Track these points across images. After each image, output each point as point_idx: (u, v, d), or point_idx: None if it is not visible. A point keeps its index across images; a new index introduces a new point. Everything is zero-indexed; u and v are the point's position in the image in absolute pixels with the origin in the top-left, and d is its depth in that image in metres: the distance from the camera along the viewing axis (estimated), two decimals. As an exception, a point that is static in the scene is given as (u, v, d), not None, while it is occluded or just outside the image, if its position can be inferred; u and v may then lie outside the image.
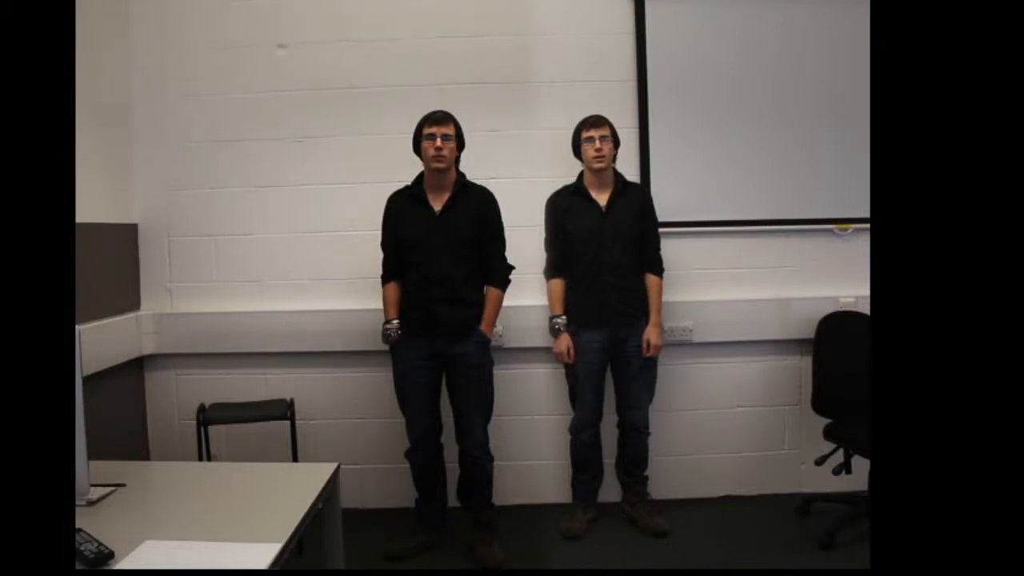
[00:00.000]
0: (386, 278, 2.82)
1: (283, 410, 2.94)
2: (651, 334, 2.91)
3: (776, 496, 3.24)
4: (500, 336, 3.21)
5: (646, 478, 3.07)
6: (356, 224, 3.21)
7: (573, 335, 2.92)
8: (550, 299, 2.97)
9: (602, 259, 2.88)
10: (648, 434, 3.02)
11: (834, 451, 2.88)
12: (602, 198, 2.92)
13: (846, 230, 3.26)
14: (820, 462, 2.89)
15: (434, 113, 2.72)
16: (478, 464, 2.80)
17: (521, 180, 3.21)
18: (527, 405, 3.27)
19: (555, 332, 2.93)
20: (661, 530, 2.92)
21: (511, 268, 2.83)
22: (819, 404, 2.97)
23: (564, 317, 2.92)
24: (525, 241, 3.19)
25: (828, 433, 2.90)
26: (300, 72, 3.22)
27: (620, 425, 3.05)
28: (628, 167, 3.21)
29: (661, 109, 3.20)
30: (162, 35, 3.22)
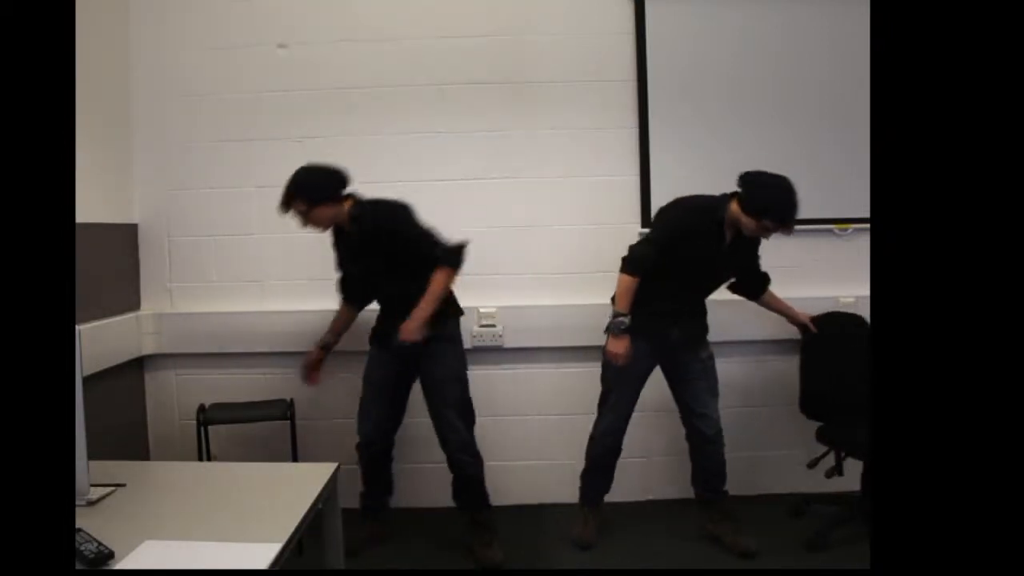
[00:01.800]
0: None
1: (283, 410, 2.94)
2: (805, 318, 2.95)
3: (776, 496, 3.23)
4: (500, 336, 3.22)
5: (726, 492, 2.91)
6: (356, 224, 3.21)
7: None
8: (620, 293, 2.68)
9: (702, 283, 2.81)
10: (722, 443, 2.84)
11: (825, 454, 2.86)
12: (728, 233, 2.71)
13: (846, 230, 3.25)
14: (812, 465, 2.87)
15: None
16: (459, 466, 2.77)
17: (521, 180, 3.22)
18: (527, 405, 3.27)
19: (617, 331, 2.67)
20: (750, 551, 2.74)
21: (458, 248, 2.65)
22: (808, 407, 2.92)
23: (629, 317, 2.68)
24: (525, 241, 3.20)
25: (821, 436, 2.88)
26: (300, 72, 3.22)
27: (689, 437, 2.89)
28: (628, 167, 3.22)
29: (661, 109, 3.20)
30: (162, 35, 3.22)
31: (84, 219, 2.66)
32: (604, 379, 2.87)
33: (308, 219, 2.64)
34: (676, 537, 2.92)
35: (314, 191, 2.61)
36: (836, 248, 3.26)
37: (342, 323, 2.88)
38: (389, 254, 2.65)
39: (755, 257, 2.89)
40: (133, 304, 3.23)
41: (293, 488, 1.82)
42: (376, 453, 2.86)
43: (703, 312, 2.87)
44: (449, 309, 2.77)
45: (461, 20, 3.20)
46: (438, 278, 2.62)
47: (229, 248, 3.26)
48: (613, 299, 2.73)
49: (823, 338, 2.98)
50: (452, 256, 2.64)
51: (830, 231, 3.26)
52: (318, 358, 2.85)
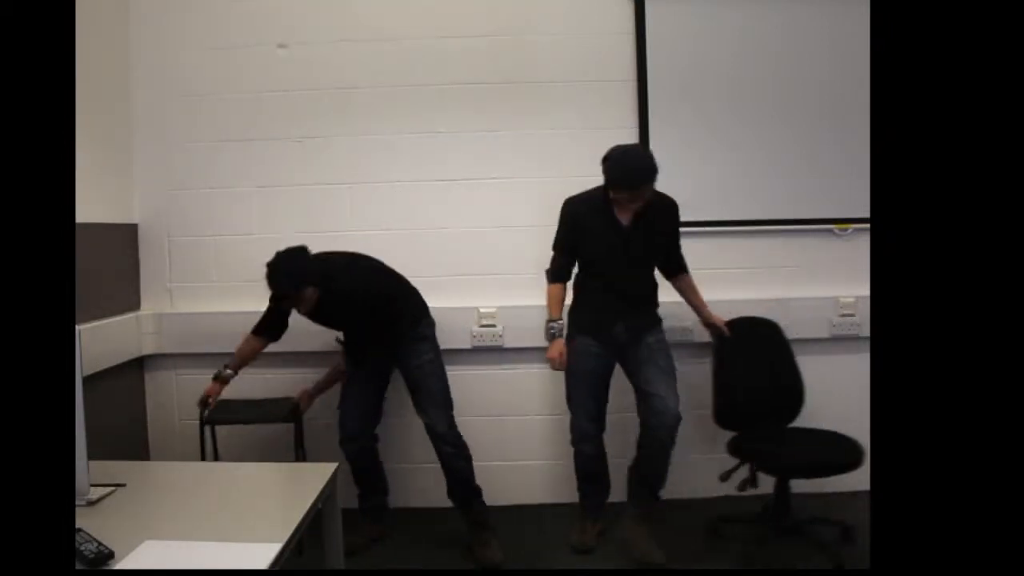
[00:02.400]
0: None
1: (287, 410, 2.92)
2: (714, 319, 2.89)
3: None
4: (500, 336, 3.22)
5: (659, 498, 2.82)
6: (356, 224, 3.21)
7: (571, 339, 2.77)
8: (548, 302, 2.81)
9: (619, 271, 2.74)
10: (671, 437, 2.70)
11: (738, 466, 2.74)
12: (625, 216, 2.69)
13: (846, 230, 3.26)
14: (725, 478, 2.77)
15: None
16: (444, 457, 2.81)
17: (520, 180, 3.22)
18: (527, 405, 3.27)
19: (551, 336, 2.76)
20: (656, 563, 2.66)
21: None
22: (722, 417, 2.82)
23: (562, 321, 2.78)
24: (525, 241, 3.20)
25: (734, 448, 2.75)
26: (300, 72, 3.22)
27: (641, 426, 2.78)
28: (628, 167, 3.22)
29: (661, 109, 3.20)
30: (162, 35, 3.22)
31: (84, 219, 2.66)
32: (566, 384, 2.85)
33: (312, 302, 2.65)
34: (675, 536, 2.91)
35: (314, 273, 2.63)
36: (836, 248, 3.26)
37: (251, 356, 2.87)
38: (351, 320, 2.77)
39: (673, 236, 2.84)
40: (133, 304, 3.23)
41: (293, 488, 1.82)
42: (362, 449, 2.88)
43: (648, 302, 2.82)
44: (416, 311, 2.85)
45: (461, 20, 3.20)
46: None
47: (229, 248, 3.26)
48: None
49: (736, 344, 2.89)
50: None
51: (830, 231, 3.27)
52: (217, 392, 2.83)
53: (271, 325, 2.82)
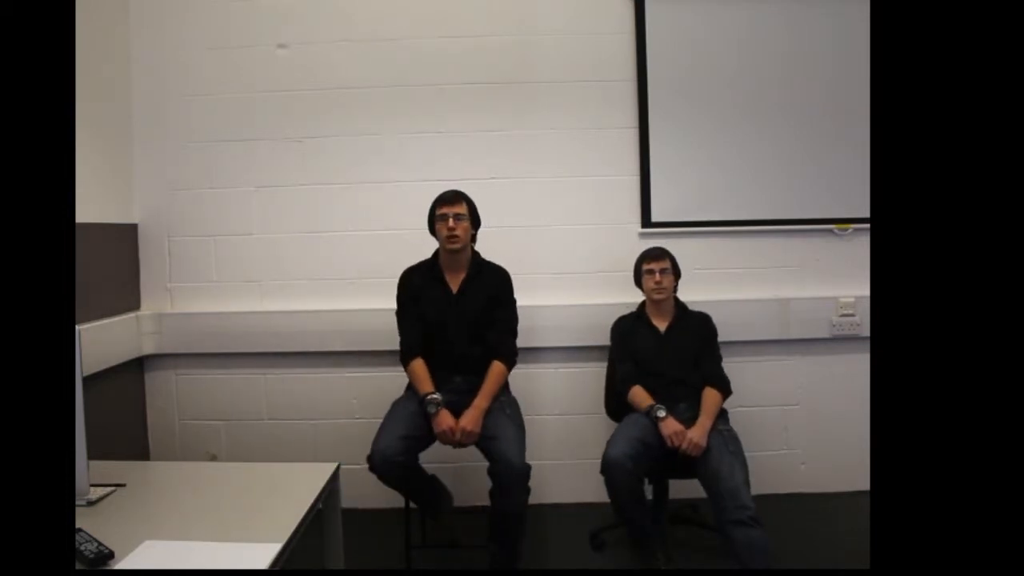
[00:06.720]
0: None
1: None
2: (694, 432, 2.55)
3: (776, 496, 3.23)
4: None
5: None
6: (356, 224, 3.21)
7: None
8: (637, 400, 2.68)
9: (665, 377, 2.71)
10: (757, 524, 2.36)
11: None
12: (662, 324, 2.80)
13: (846, 230, 3.26)
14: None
15: (445, 193, 2.66)
16: None
17: (521, 180, 3.22)
18: (528, 405, 3.25)
19: (659, 418, 2.58)
20: None
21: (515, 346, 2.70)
22: (613, 408, 2.87)
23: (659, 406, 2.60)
24: (525, 241, 3.20)
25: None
26: (300, 72, 3.22)
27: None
28: (628, 167, 3.22)
29: (661, 109, 3.20)
30: (162, 35, 3.22)
31: (84, 219, 2.66)
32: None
33: (460, 225, 2.61)
34: (675, 536, 2.91)
35: (477, 214, 2.72)
36: (836, 248, 3.27)
37: (426, 373, 2.62)
38: (487, 311, 2.64)
39: (711, 354, 2.82)
40: (133, 304, 3.23)
41: (293, 488, 1.82)
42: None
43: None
44: None
45: (461, 20, 3.21)
46: (499, 372, 2.61)
47: (229, 248, 3.26)
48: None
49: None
50: (513, 353, 2.68)
51: (830, 231, 3.27)
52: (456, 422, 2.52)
53: (419, 347, 2.64)
